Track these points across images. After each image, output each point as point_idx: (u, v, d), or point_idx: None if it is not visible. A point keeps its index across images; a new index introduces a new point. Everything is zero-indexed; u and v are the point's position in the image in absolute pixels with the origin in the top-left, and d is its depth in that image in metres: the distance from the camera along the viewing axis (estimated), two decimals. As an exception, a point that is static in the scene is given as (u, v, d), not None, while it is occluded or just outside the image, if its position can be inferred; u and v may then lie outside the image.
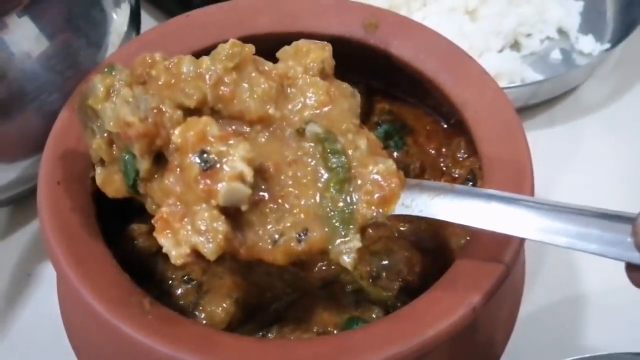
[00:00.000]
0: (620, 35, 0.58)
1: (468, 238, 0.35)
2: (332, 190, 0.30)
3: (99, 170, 0.31)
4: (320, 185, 0.30)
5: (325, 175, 0.30)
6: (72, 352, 0.35)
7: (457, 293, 0.28)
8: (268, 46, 0.35)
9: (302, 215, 0.30)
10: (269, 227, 0.29)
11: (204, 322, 0.32)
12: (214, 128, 0.28)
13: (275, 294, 0.33)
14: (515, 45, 0.60)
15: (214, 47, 0.40)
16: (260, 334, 0.32)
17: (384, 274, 0.35)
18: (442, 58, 0.38)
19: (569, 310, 0.45)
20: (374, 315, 0.33)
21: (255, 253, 0.29)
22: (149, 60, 0.31)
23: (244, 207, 0.28)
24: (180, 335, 0.27)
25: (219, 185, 0.27)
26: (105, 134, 0.30)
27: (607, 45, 0.59)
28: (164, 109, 0.29)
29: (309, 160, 0.31)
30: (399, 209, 0.30)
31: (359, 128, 0.32)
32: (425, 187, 0.30)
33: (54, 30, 0.43)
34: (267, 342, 0.29)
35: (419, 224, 0.38)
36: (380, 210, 0.30)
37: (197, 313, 0.32)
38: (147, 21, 0.59)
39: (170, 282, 0.34)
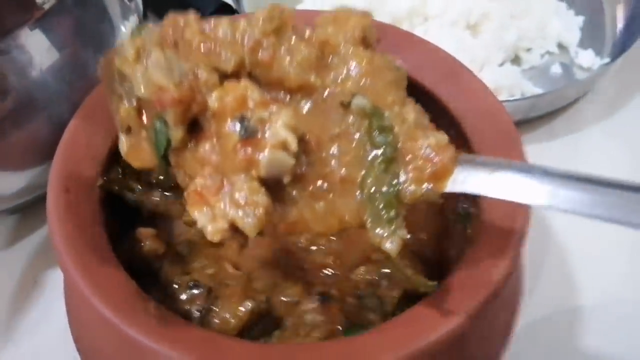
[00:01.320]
0: (619, 49, 0.59)
1: (466, 248, 0.36)
2: (376, 170, 0.28)
3: (124, 139, 0.29)
4: (365, 163, 0.28)
5: (371, 153, 0.28)
6: (78, 357, 0.35)
7: (454, 301, 0.29)
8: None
9: (344, 194, 0.28)
10: (311, 202, 0.27)
11: (216, 327, 0.32)
12: (255, 92, 0.27)
13: (281, 300, 0.34)
14: (516, 60, 0.61)
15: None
16: (263, 340, 0.33)
17: (385, 282, 0.35)
18: (442, 71, 0.39)
19: (566, 322, 0.46)
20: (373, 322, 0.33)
21: (296, 229, 0.27)
22: (181, 23, 0.29)
23: (286, 179, 0.26)
24: (185, 339, 0.28)
25: (261, 154, 0.26)
26: (135, 100, 0.29)
27: (607, 60, 0.60)
28: (199, 73, 0.27)
29: (354, 135, 0.28)
30: (451, 186, 0.27)
31: (405, 100, 0.30)
32: (480, 163, 0.28)
33: (64, 42, 0.44)
34: (271, 346, 0.30)
35: (420, 234, 0.38)
36: (431, 186, 0.27)
37: (209, 319, 0.33)
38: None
39: (175, 286, 0.34)
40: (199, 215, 0.26)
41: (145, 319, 0.28)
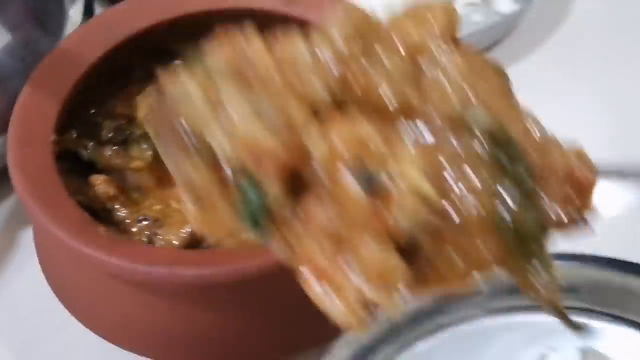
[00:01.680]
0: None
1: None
2: (516, 205, 0.22)
3: (192, 206, 0.22)
4: (498, 197, 0.22)
5: (504, 185, 0.22)
6: (54, 298, 0.40)
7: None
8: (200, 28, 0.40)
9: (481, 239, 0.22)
10: (444, 255, 0.21)
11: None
12: (369, 128, 0.21)
13: None
14: (439, 11, 0.66)
15: (157, 26, 0.46)
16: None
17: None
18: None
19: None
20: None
21: (430, 288, 0.22)
22: (242, 42, 0.22)
23: (424, 241, 0.21)
24: (125, 250, 0.33)
25: (397, 211, 0.20)
26: (207, 156, 0.21)
27: (524, 5, 0.66)
28: (291, 112, 0.21)
29: (477, 164, 0.22)
30: (598, 204, 0.22)
31: (518, 106, 0.24)
32: (628, 173, 0.24)
33: (15, 24, 0.49)
34: (195, 251, 0.36)
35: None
36: (578, 208, 0.22)
37: (154, 241, 0.38)
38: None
39: (127, 221, 0.39)
40: (324, 300, 0.20)
41: (94, 238, 0.33)
